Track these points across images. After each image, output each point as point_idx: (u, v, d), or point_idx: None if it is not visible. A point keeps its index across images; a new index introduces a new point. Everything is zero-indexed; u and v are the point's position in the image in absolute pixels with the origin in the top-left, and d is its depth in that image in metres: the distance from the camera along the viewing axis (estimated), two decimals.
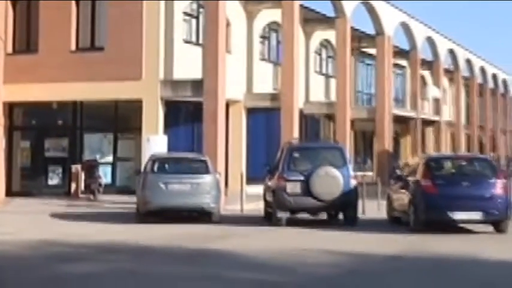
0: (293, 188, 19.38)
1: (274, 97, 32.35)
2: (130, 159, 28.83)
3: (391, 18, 42.43)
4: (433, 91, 51.60)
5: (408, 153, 45.50)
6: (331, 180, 19.24)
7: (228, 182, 29.13)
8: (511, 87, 75.87)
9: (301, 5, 33.26)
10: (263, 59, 35.48)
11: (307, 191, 19.27)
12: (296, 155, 20.18)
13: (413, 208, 18.07)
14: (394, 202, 20.34)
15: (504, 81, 73.42)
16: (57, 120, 30.20)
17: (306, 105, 37.77)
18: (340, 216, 20.23)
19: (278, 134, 30.47)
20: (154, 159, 21.05)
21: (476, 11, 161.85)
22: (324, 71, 42.03)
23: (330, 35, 39.51)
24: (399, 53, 46.81)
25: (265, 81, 34.72)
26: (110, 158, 29.25)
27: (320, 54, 41.85)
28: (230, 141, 30.77)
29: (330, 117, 39.86)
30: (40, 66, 28.48)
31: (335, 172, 19.33)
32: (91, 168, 28.05)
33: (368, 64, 46.71)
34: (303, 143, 27.49)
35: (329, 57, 42.41)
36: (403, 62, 49.86)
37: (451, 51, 55.75)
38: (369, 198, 23.67)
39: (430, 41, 50.82)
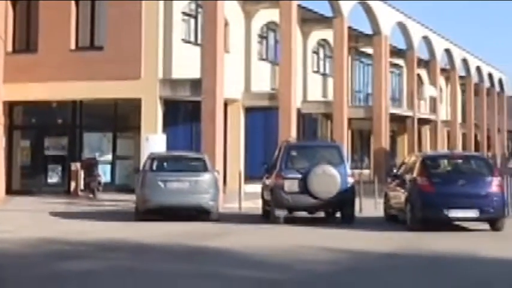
0: (291, 186, 19.37)
1: (272, 96, 32.35)
2: (129, 157, 28.82)
3: (388, 18, 42.44)
4: (429, 90, 51.60)
5: (405, 152, 45.47)
6: (329, 178, 19.24)
7: (227, 181, 29.17)
8: (506, 86, 75.89)
9: (298, 5, 33.27)
10: (261, 59, 35.48)
11: (304, 189, 19.27)
12: (294, 153, 20.18)
13: (410, 206, 18.07)
14: (391, 200, 20.34)
15: (500, 81, 73.43)
16: (56, 119, 30.18)
17: (303, 104, 37.76)
18: (338, 214, 20.25)
19: (276, 133, 30.46)
20: (153, 158, 21.05)
21: (472, 11, 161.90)
22: (321, 70, 42.03)
23: (328, 34, 39.51)
24: (396, 52, 46.82)
25: (263, 80, 34.72)
26: (109, 157, 29.24)
27: (318, 54, 41.85)
28: (228, 140, 30.77)
29: (328, 116, 39.87)
30: (40, 65, 28.47)
31: (332, 170, 19.33)
32: (90, 167, 28.03)
33: (365, 63, 46.71)
34: (300, 142, 27.54)
35: (326, 56, 42.40)
36: (400, 62, 49.88)
37: (448, 51, 55.75)
38: (366, 196, 23.66)
39: (426, 40, 50.82)
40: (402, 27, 45.91)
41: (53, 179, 29.72)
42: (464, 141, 61.38)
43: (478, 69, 64.77)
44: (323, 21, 38.56)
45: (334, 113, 36.86)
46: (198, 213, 20.45)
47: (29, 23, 30.03)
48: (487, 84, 67.94)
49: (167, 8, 27.95)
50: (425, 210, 17.71)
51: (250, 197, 24.66)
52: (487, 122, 66.81)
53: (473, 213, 17.60)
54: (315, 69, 41.24)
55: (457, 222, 18.49)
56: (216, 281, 11.10)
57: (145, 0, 27.46)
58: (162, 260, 13.33)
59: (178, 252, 14.36)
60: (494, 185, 17.98)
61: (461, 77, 60.18)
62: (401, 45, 47.76)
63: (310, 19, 38.41)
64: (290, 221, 19.46)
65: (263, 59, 35.68)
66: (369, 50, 43.52)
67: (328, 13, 37.49)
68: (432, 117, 51.58)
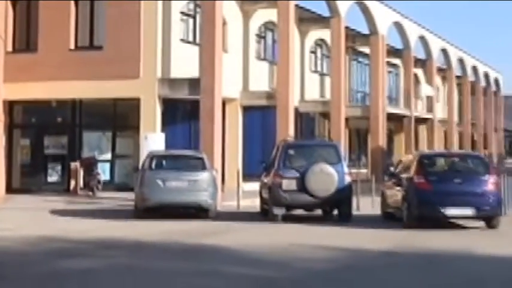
0: (289, 184, 19.39)
1: (270, 95, 32.35)
2: (128, 156, 28.80)
3: (384, 18, 42.45)
4: (426, 89, 51.64)
5: (402, 151, 45.51)
6: (326, 177, 19.26)
7: (225, 179, 29.17)
8: (502, 85, 75.95)
9: (296, 5, 33.27)
10: (259, 58, 35.48)
11: (302, 187, 19.29)
12: (291, 152, 20.19)
13: (407, 204, 18.10)
14: (387, 198, 20.36)
15: (496, 80, 73.51)
16: (56, 118, 30.16)
17: (301, 103, 37.76)
18: (335, 212, 20.26)
19: (274, 132, 30.48)
20: (152, 157, 21.04)
21: (468, 11, 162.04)
22: (319, 69, 42.03)
23: (325, 34, 39.52)
24: (393, 52, 46.85)
25: (261, 79, 34.73)
26: (108, 156, 29.22)
27: (315, 53, 41.86)
28: (227, 139, 30.77)
29: (325, 115, 39.87)
30: (39, 64, 28.48)
31: (330, 169, 19.34)
32: (90, 166, 28.04)
33: (362, 63, 46.70)
34: (298, 141, 27.53)
35: (324, 56, 42.40)
36: (397, 61, 49.90)
37: (444, 51, 55.80)
38: (363, 194, 23.69)
39: (423, 40, 50.86)
40: (399, 27, 45.94)
41: (53, 177, 29.72)
42: (461, 140, 61.45)
43: (474, 68, 64.83)
44: (320, 21, 38.57)
45: (332, 112, 36.87)
46: (197, 212, 20.47)
47: (29, 22, 30.03)
48: (483, 83, 68.02)
49: (166, 8, 27.95)
50: (422, 208, 17.73)
51: (248, 195, 24.67)
52: (484, 121, 66.90)
53: (469, 211, 17.63)
54: (313, 68, 41.25)
55: (453, 220, 18.53)
56: (215, 278, 11.11)
57: (144, 0, 27.46)
58: (161, 257, 13.34)
59: (177, 250, 14.37)
60: (490, 183, 18.01)
61: (457, 77, 60.26)
62: (398, 44, 47.83)
63: (307, 19, 38.41)
64: (288, 219, 19.47)
65: (261, 59, 35.67)
66: (366, 50, 43.54)
67: (326, 13, 37.52)
68: (429, 116, 51.60)
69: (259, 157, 28.06)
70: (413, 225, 17.71)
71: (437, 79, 55.88)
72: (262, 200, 21.48)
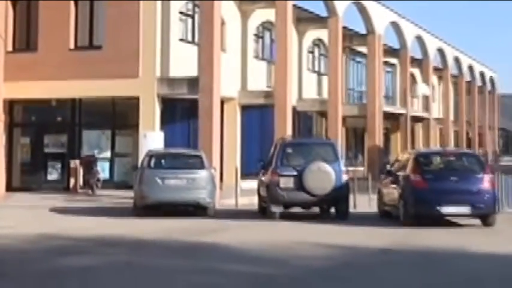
0: (286, 182, 19.40)
1: (268, 94, 32.35)
2: (127, 155, 28.80)
3: (381, 18, 42.45)
4: (422, 88, 51.62)
5: (398, 149, 45.51)
6: (324, 175, 19.26)
7: (223, 177, 29.15)
8: (497, 84, 75.97)
9: (294, 5, 33.27)
10: (257, 57, 35.47)
11: (300, 185, 19.29)
12: (289, 150, 20.18)
13: (403, 202, 18.10)
14: (384, 196, 20.36)
15: (491, 79, 73.52)
16: (56, 117, 30.15)
17: (298, 102, 37.77)
18: (332, 210, 20.25)
19: (272, 131, 30.48)
20: (151, 155, 21.05)
21: (464, 11, 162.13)
22: (316, 69, 42.03)
23: (322, 34, 39.51)
24: (389, 51, 46.84)
25: (259, 79, 34.72)
26: (107, 154, 29.21)
27: (312, 53, 41.85)
28: (225, 138, 30.78)
29: (322, 114, 39.86)
30: (39, 64, 28.47)
31: (327, 167, 19.35)
32: (89, 164, 28.02)
33: (359, 62, 46.71)
34: (295, 139, 27.45)
35: (321, 55, 42.40)
36: (394, 60, 49.89)
37: (440, 50, 55.80)
38: (360, 192, 23.69)
39: (419, 39, 50.85)
40: (396, 26, 45.93)
41: (53, 175, 29.71)
42: (457, 138, 61.46)
43: (470, 68, 64.85)
44: (318, 20, 38.56)
45: (329, 110, 36.86)
46: (195, 210, 20.47)
47: (29, 22, 30.02)
48: (478, 82, 68.01)
49: (165, 8, 27.94)
50: (418, 206, 17.74)
51: (246, 193, 24.66)
52: (479, 119, 66.89)
53: (465, 209, 17.65)
54: (310, 67, 41.24)
55: (449, 218, 18.53)
56: (214, 276, 11.11)
57: (143, 0, 27.45)
58: (160, 255, 13.34)
59: (176, 248, 14.36)
60: (485, 181, 18.02)
61: (453, 76, 60.25)
62: (395, 44, 47.81)
63: (305, 19, 38.40)
64: (286, 217, 19.47)
65: (259, 58, 35.66)
66: (363, 49, 43.54)
67: (323, 13, 37.52)
68: (425, 115, 51.61)
69: (257, 155, 28.05)
70: (409, 223, 17.71)
71: (433, 78, 55.88)
72: (260, 198, 21.47)
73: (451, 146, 55.47)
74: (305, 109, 39.01)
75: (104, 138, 29.46)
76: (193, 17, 30.11)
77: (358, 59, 46.57)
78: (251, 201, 23.19)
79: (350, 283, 10.69)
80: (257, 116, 34.28)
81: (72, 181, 28.56)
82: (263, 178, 21.02)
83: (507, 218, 19.33)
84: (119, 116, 29.51)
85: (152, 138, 25.88)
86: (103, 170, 28.58)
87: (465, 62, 62.85)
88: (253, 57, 34.98)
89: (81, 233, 16.31)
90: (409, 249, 14.37)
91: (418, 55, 52.41)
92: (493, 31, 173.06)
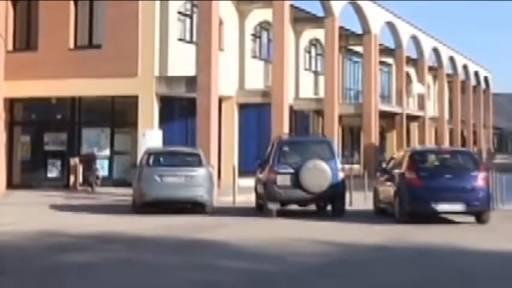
0: (283, 180, 19.39)
1: (265, 93, 32.35)
2: (126, 152, 28.77)
3: (377, 18, 42.44)
4: (417, 88, 51.65)
5: (394, 147, 45.52)
6: (320, 173, 19.26)
7: (221, 175, 29.17)
8: (491, 83, 76.03)
9: (291, 5, 33.26)
10: (254, 57, 35.47)
11: (296, 183, 19.28)
12: (286, 148, 20.18)
13: (399, 200, 18.11)
14: (380, 194, 20.37)
15: (485, 78, 73.57)
16: (56, 115, 30.12)
17: (295, 101, 37.74)
18: (329, 207, 20.27)
19: (269, 129, 30.47)
20: (149, 153, 21.04)
21: (459, 12, 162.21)
22: (313, 68, 42.03)
23: (319, 33, 39.50)
24: (385, 51, 46.85)
25: (256, 78, 34.72)
26: (107, 152, 29.19)
27: (309, 52, 41.84)
28: (223, 136, 30.77)
29: (319, 113, 39.86)
30: (40, 63, 28.46)
31: (323, 165, 19.34)
32: (89, 162, 28.01)
33: (355, 62, 46.72)
34: (292, 138, 27.47)
35: (318, 55, 42.39)
36: (389, 60, 49.89)
37: (435, 50, 55.81)
38: (356, 190, 23.69)
39: (414, 39, 50.85)
40: (391, 26, 45.92)
41: (53, 173, 29.69)
42: (451, 136, 61.50)
43: (465, 67, 64.88)
44: (315, 20, 38.56)
45: (325, 109, 36.86)
46: (193, 207, 20.47)
47: (29, 22, 30.01)
48: (473, 81, 68.06)
49: (163, 8, 27.92)
50: (413, 203, 17.75)
51: (243, 191, 24.66)
52: (473, 118, 66.96)
53: (459, 206, 17.65)
54: (307, 67, 41.24)
55: (444, 215, 18.53)
56: (212, 272, 11.11)
57: (142, 0, 27.43)
58: (159, 251, 13.34)
59: (175, 244, 14.36)
60: (480, 179, 18.02)
61: (448, 75, 60.27)
62: (391, 44, 47.83)
63: (302, 19, 38.41)
64: (282, 214, 19.47)
65: (256, 57, 35.66)
66: (359, 49, 43.52)
67: (320, 13, 37.50)
68: (420, 113, 51.63)
69: (255, 153, 28.06)
70: (404, 220, 17.72)
71: (428, 77, 55.91)
72: (258, 196, 21.46)
73: (446, 144, 55.51)
74: (302, 108, 39.00)
75: (103, 136, 29.44)
76: (191, 17, 30.09)
77: (355, 59, 46.57)
78: (248, 199, 23.18)
79: (345, 279, 10.69)
80: (254, 114, 34.29)
81: (71, 179, 28.56)
82: (260, 176, 21.02)
83: (501, 216, 19.34)
84: (118, 115, 29.49)
85: (151, 136, 25.88)
86: (102, 168, 28.57)
87: (460, 61, 62.88)
88: (251, 56, 34.99)
89: (81, 230, 16.31)
90: (404, 245, 14.38)
91: (414, 55, 52.43)
92: (488, 32, 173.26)
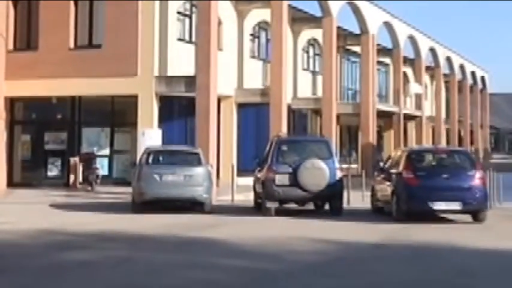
0: (281, 179, 19.39)
1: (263, 93, 32.34)
2: (126, 151, 28.76)
3: (375, 18, 42.44)
4: (414, 87, 51.64)
5: (391, 147, 45.51)
6: (318, 172, 19.26)
7: (220, 174, 29.17)
8: (488, 83, 76.03)
9: (289, 5, 33.23)
10: (253, 57, 35.46)
11: (295, 182, 19.29)
12: (284, 148, 20.18)
13: (396, 199, 18.12)
14: (377, 193, 20.38)
15: (482, 78, 73.57)
16: (56, 114, 30.09)
17: (293, 100, 37.75)
18: (327, 206, 20.27)
19: (267, 128, 30.46)
20: (149, 152, 21.03)
21: (456, 12, 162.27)
22: (311, 68, 42.02)
23: (317, 33, 39.49)
24: (383, 51, 46.84)
25: (255, 77, 34.71)
26: (106, 151, 29.18)
27: (307, 52, 41.84)
28: (221, 135, 30.75)
29: (317, 112, 39.85)
30: (40, 63, 28.43)
31: (321, 164, 19.35)
32: (89, 161, 28.00)
33: (353, 61, 46.71)
34: (290, 137, 27.49)
35: (316, 55, 42.39)
36: (387, 60, 49.90)
37: (432, 50, 55.81)
38: (354, 189, 23.70)
39: (412, 39, 50.85)
40: (389, 26, 45.91)
41: (53, 172, 29.67)
42: (448, 136, 61.50)
43: (462, 67, 64.87)
44: (313, 20, 38.55)
45: (323, 109, 36.84)
46: (192, 205, 20.47)
47: (30, 22, 29.97)
48: (470, 81, 68.07)
49: (163, 8, 27.90)
50: (411, 202, 17.76)
51: (242, 189, 24.67)
52: (470, 118, 66.95)
53: (456, 205, 17.66)
54: (305, 67, 41.24)
55: (441, 214, 18.55)
56: (211, 270, 11.11)
57: (142, 0, 27.41)
58: (158, 250, 13.33)
59: (174, 243, 14.36)
60: (476, 178, 18.04)
61: (445, 75, 60.27)
62: (388, 44, 47.79)
63: (300, 19, 38.40)
64: (281, 212, 19.48)
65: (255, 57, 35.65)
66: (357, 49, 43.50)
67: (318, 13, 37.47)
68: (417, 113, 51.63)
69: (253, 153, 28.05)
70: (402, 219, 17.74)
71: (425, 77, 55.91)
72: (256, 194, 21.47)
73: (443, 144, 55.54)
74: (300, 107, 39.01)
75: (103, 135, 29.43)
76: (190, 17, 30.08)
77: (352, 59, 46.56)
78: (247, 198, 23.19)
79: (344, 277, 10.70)
80: (253, 114, 34.28)
81: (71, 178, 28.55)
82: (259, 175, 21.02)
83: (498, 214, 19.37)
84: (118, 114, 29.48)
85: (150, 135, 25.87)
86: (102, 167, 28.55)
87: (457, 61, 62.88)
88: (250, 56, 34.98)
89: (81, 228, 16.30)
90: (401, 244, 14.39)
91: (411, 55, 52.43)
92: (485, 32, 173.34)
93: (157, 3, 27.64)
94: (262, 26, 35.92)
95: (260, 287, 10.10)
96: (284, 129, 30.13)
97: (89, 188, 27.28)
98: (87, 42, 28.98)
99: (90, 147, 28.90)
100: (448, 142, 59.98)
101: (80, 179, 28.38)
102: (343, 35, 42.01)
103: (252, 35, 35.55)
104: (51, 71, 28.07)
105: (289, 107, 33.89)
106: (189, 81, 26.59)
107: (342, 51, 44.13)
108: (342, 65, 45.18)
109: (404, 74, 51.27)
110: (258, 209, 20.84)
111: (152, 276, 10.53)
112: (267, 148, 21.23)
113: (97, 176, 27.71)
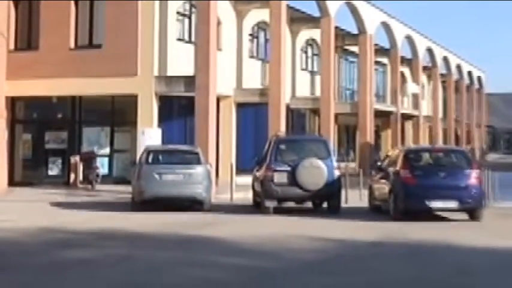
0: (280, 178, 19.39)
1: (262, 92, 32.35)
2: (126, 151, 28.75)
3: (372, 18, 42.45)
4: (412, 87, 51.68)
5: (389, 146, 45.55)
6: (316, 171, 19.26)
7: (219, 173, 29.17)
8: (485, 83, 76.07)
9: (288, 5, 33.24)
10: (252, 57, 35.45)
11: (293, 181, 19.28)
12: (283, 147, 20.18)
13: (393, 197, 18.11)
14: (375, 192, 20.38)
15: (479, 78, 73.64)
16: (57, 114, 30.09)
17: (292, 100, 37.77)
18: (325, 205, 20.27)
19: (266, 128, 30.47)
20: (148, 151, 21.03)
21: (453, 12, 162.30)
22: (309, 68, 42.03)
23: (315, 33, 39.50)
24: (380, 51, 46.86)
25: (254, 77, 34.71)
26: (107, 150, 29.17)
27: (306, 52, 41.84)
28: (221, 134, 30.74)
29: (315, 112, 39.87)
30: (41, 62, 28.40)
31: (319, 163, 19.35)
32: (89, 160, 27.99)
33: (351, 61, 46.71)
34: (289, 136, 27.50)
35: (314, 55, 42.39)
36: (384, 60, 49.91)
37: (429, 50, 55.85)
38: (352, 188, 23.69)
39: (409, 39, 50.89)
40: (386, 27, 45.95)
41: (53, 171, 29.66)
42: (445, 135, 61.55)
43: (458, 67, 64.94)
44: (311, 21, 38.56)
45: (322, 108, 36.86)
46: (192, 204, 20.45)
47: (31, 22, 29.95)
48: (466, 81, 68.11)
49: (162, 8, 27.89)
50: (408, 201, 17.76)
51: (241, 188, 24.66)
52: (467, 117, 67.01)
53: (453, 204, 17.67)
54: (303, 66, 41.24)
55: (437, 213, 18.55)
56: (210, 268, 11.11)
57: (142, 0, 27.40)
58: (157, 248, 13.33)
59: (174, 241, 14.36)
60: (473, 177, 18.04)
61: (442, 75, 60.34)
62: (386, 44, 47.84)
63: (298, 19, 38.40)
64: (279, 211, 19.48)
65: (254, 57, 35.65)
66: (355, 49, 43.54)
67: (316, 13, 37.49)
68: (415, 112, 51.66)
69: (252, 152, 28.05)
70: (399, 217, 17.73)
71: (422, 77, 55.94)
72: (255, 193, 21.47)
73: (440, 143, 55.57)
74: (298, 107, 39.02)
75: (103, 134, 29.42)
76: (190, 17, 30.06)
77: (350, 58, 46.57)
78: (246, 196, 23.19)
79: (342, 275, 10.70)
80: (252, 113, 34.27)
81: (72, 176, 28.53)
82: (257, 174, 21.02)
83: (494, 213, 19.35)
84: (118, 113, 29.47)
85: (150, 134, 25.86)
86: (102, 166, 28.54)
87: (453, 61, 62.93)
88: (248, 56, 34.98)
89: (81, 227, 16.30)
90: (398, 242, 14.39)
91: (408, 55, 52.45)
92: (481, 32, 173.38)
93: (157, 3, 27.63)
94: (261, 26, 35.92)
95: (259, 284, 10.10)
96: (283, 128, 30.14)
97: (89, 187, 27.27)
98: (87, 42, 28.95)
99: (91, 146, 28.90)
100: (445, 141, 60.01)
101: (81, 177, 28.36)
102: (341, 35, 42.03)
103: (251, 35, 35.55)
104: (51, 71, 28.04)
105: (287, 107, 33.90)
106: (189, 81, 26.59)
107: (340, 51, 44.15)
108: (340, 65, 45.20)
109: (402, 73, 51.29)
110: (256, 207, 20.84)
111: (152, 274, 10.53)
112: (266, 147, 21.22)
113: (97, 175, 27.71)
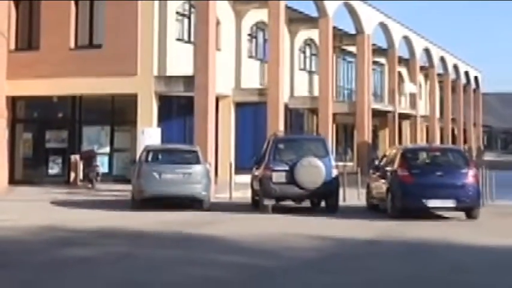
0: (278, 177, 19.39)
1: (261, 92, 32.34)
2: (126, 150, 28.75)
3: (370, 18, 42.44)
4: (409, 87, 51.66)
5: (386, 145, 45.53)
6: (314, 170, 19.26)
7: (218, 172, 29.17)
8: (481, 83, 76.08)
9: (286, 6, 33.23)
10: (251, 56, 35.44)
11: (291, 180, 19.29)
12: (281, 146, 20.19)
13: (391, 196, 18.13)
14: (372, 190, 20.39)
15: (475, 78, 73.61)
16: (57, 113, 30.10)
17: (290, 99, 37.75)
18: (323, 203, 20.27)
19: (264, 127, 30.46)
20: (148, 150, 21.03)
21: (450, 13, 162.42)
22: (307, 67, 42.01)
23: (314, 34, 39.47)
24: (378, 51, 46.84)
25: (252, 77, 34.71)
26: (107, 149, 29.17)
27: (304, 52, 41.82)
28: (220, 134, 30.76)
29: (313, 111, 39.86)
30: (41, 62, 28.40)
31: (318, 162, 19.35)
32: (89, 159, 27.99)
33: (349, 61, 46.70)
34: (287, 135, 27.50)
35: (312, 54, 42.37)
36: (382, 60, 49.89)
37: (426, 50, 55.83)
38: (350, 186, 23.70)
39: (406, 40, 50.86)
40: (384, 27, 45.93)
41: (54, 170, 29.66)
42: (442, 135, 61.53)
43: (455, 67, 64.91)
44: (309, 21, 38.54)
45: (320, 108, 36.84)
46: (191, 203, 20.44)
47: (31, 22, 29.94)
48: (463, 81, 68.10)
49: (162, 8, 27.89)
50: (405, 199, 17.77)
51: (240, 187, 24.66)
52: (463, 117, 66.99)
53: (450, 202, 17.68)
54: (302, 66, 41.23)
55: (434, 211, 18.56)
56: (210, 267, 11.11)
57: (142, 0, 27.39)
58: (157, 246, 13.33)
59: (173, 239, 14.36)
60: (470, 176, 18.05)
61: (439, 75, 60.30)
62: (383, 44, 47.81)
63: (297, 19, 38.40)
64: (278, 210, 19.48)
65: (252, 57, 35.64)
66: (353, 49, 43.51)
67: (314, 13, 37.46)
68: (412, 112, 51.65)
69: (251, 151, 28.03)
70: (397, 216, 17.74)
71: (420, 77, 55.93)
72: (253, 192, 21.47)
73: (437, 142, 55.57)
74: (297, 106, 39.00)
75: (103, 134, 29.42)
76: (189, 17, 30.06)
77: (348, 58, 46.55)
78: (244, 195, 23.19)
79: (339, 274, 10.70)
80: (250, 113, 34.27)
81: (72, 175, 28.53)
82: (256, 173, 21.02)
83: (490, 212, 19.38)
84: (118, 113, 29.47)
85: (149, 134, 25.85)
86: (102, 165, 28.54)
87: (450, 61, 62.91)
88: (247, 56, 34.96)
89: (82, 225, 16.29)
90: (396, 240, 14.39)
91: (406, 55, 52.44)
92: (478, 33, 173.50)
93: (156, 3, 27.63)
94: (259, 26, 35.91)
95: (258, 283, 10.10)
96: (281, 127, 30.15)
97: (90, 186, 27.27)
98: (87, 42, 28.95)
99: (91, 145, 28.91)
100: (441, 140, 60.01)
101: (81, 176, 28.36)
102: (339, 35, 42.01)
103: (249, 35, 35.54)
104: (52, 71, 28.04)
105: (286, 106, 33.90)
106: (188, 81, 26.59)
107: (338, 51, 44.13)
108: (338, 65, 45.20)
109: (399, 73, 51.29)
110: (255, 206, 20.85)
111: (152, 272, 10.52)
112: (264, 146, 21.22)
113: (97, 174, 27.72)
